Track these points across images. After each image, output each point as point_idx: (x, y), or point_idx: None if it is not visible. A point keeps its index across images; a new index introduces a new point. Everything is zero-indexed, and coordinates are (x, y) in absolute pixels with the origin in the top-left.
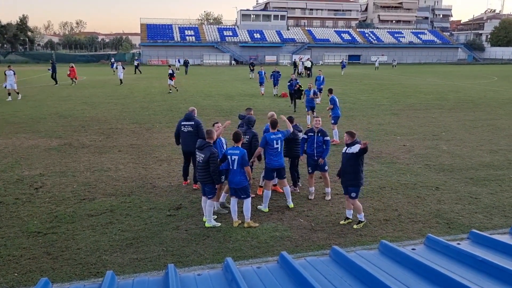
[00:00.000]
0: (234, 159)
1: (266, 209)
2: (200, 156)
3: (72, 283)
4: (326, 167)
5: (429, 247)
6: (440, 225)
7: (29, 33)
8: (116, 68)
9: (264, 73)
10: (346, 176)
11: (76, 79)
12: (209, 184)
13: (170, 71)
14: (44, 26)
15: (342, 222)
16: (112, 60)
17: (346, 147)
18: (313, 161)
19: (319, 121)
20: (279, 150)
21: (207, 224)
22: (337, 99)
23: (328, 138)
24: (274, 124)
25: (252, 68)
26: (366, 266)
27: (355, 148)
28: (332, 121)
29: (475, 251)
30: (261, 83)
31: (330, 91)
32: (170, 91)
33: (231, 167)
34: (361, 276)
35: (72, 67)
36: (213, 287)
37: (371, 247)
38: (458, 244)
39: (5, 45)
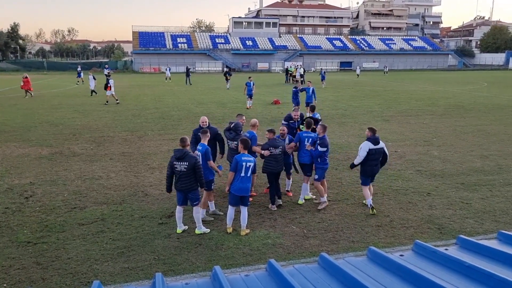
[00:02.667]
0: (249, 166)
1: (302, 201)
2: (182, 165)
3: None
4: (317, 177)
5: (417, 253)
6: (431, 231)
7: (20, 41)
8: (88, 78)
9: (253, 84)
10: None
11: (30, 90)
12: (194, 190)
13: (106, 81)
14: (35, 34)
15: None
16: (79, 69)
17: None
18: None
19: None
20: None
21: (197, 231)
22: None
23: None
24: (309, 124)
25: (228, 78)
26: (354, 273)
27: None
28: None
29: (462, 257)
30: (249, 96)
31: (312, 108)
32: (117, 101)
33: (243, 174)
34: (349, 283)
35: (26, 77)
36: None
37: (362, 254)
38: (446, 249)
39: None
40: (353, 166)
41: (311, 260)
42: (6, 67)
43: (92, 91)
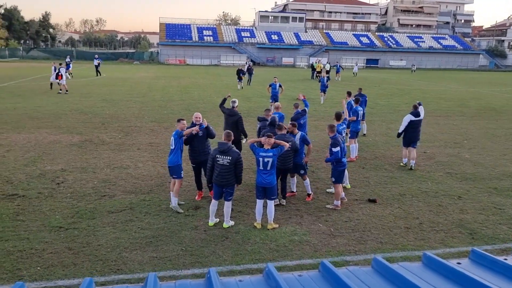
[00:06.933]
0: (268, 161)
1: (349, 185)
2: (225, 159)
3: (115, 286)
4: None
5: (474, 261)
6: (463, 235)
7: (51, 30)
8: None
9: (279, 86)
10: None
11: None
12: (231, 186)
13: (58, 70)
14: (65, 23)
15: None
16: (68, 60)
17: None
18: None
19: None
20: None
21: (225, 225)
22: (360, 111)
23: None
24: (338, 116)
25: (241, 77)
26: (411, 278)
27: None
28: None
29: None
30: (274, 100)
31: (357, 100)
32: (66, 91)
33: (262, 168)
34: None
35: None
36: None
37: (392, 255)
38: (505, 259)
39: (27, 41)
40: (398, 135)
41: (339, 260)
42: (37, 55)
43: (52, 83)
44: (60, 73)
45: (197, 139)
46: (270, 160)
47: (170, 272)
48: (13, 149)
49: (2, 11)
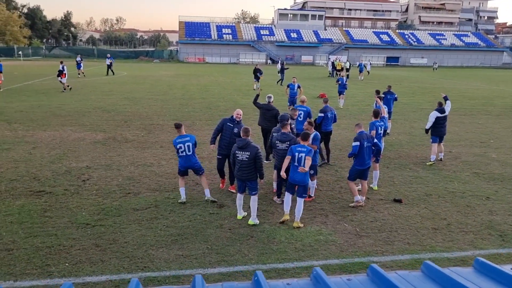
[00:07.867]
0: (301, 156)
1: (375, 187)
2: (243, 155)
3: (162, 287)
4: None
5: None
6: (492, 237)
7: (72, 29)
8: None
9: (298, 87)
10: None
11: None
12: (254, 180)
13: (60, 68)
14: (86, 22)
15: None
16: (78, 59)
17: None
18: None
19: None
20: (381, 135)
21: (250, 222)
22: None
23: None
24: (376, 113)
25: (258, 77)
26: (465, 283)
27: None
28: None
29: None
30: (291, 102)
31: (379, 98)
32: (64, 90)
33: (296, 164)
34: None
35: None
36: None
37: (420, 257)
38: None
39: (50, 40)
40: (426, 131)
41: (366, 260)
42: (59, 53)
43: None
44: (64, 72)
45: (233, 135)
46: (303, 155)
47: (197, 271)
48: (39, 146)
49: (26, 11)
